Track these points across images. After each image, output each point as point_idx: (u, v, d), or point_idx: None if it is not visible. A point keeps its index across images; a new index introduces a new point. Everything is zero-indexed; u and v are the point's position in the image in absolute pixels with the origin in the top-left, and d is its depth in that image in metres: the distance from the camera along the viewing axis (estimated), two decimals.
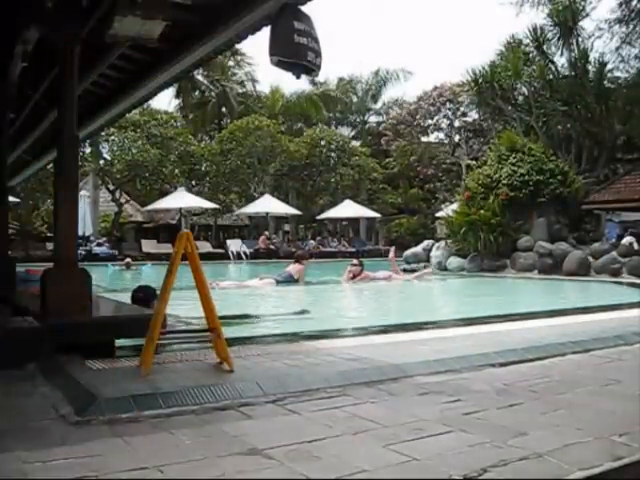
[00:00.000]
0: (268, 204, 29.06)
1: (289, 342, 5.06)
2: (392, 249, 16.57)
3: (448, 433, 2.62)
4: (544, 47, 21.47)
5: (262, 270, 16.90)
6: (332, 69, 45.38)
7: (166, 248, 23.02)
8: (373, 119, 41.18)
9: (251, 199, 30.76)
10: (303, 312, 7.87)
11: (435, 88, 34.66)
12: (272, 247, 27.65)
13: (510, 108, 21.50)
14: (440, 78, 38.14)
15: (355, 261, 14.17)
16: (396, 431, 2.64)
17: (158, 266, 16.89)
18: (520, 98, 22.03)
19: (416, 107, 35.13)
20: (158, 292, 3.98)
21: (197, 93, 37.73)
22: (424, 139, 36.06)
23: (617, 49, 22.80)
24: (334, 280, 14.18)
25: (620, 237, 18.15)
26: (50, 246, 20.15)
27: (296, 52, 3.88)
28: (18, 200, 24.32)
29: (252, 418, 2.88)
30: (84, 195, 24.59)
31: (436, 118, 35.20)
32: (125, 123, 25.91)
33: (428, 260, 18.51)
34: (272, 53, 3.90)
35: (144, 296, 5.57)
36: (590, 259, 15.18)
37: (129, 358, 3.90)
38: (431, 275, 16.29)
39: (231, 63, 38.08)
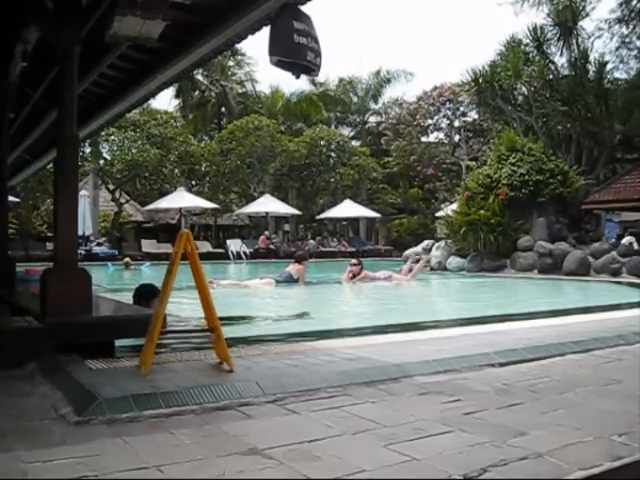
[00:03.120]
0: (268, 204, 29.05)
1: (289, 342, 5.05)
2: (423, 258, 16.55)
3: (448, 433, 2.61)
4: (544, 47, 21.49)
5: (262, 270, 16.89)
6: (332, 69, 45.42)
7: (166, 248, 23.04)
8: (373, 119, 41.17)
9: (251, 199, 30.76)
10: (303, 315, 7.86)
11: (435, 88, 34.65)
12: (272, 247, 27.65)
13: (510, 108, 21.49)
14: (440, 78, 38.22)
15: (355, 261, 14.16)
16: (396, 431, 2.63)
17: (158, 266, 16.90)
18: (520, 98, 22.03)
19: (416, 107, 35.12)
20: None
21: (197, 93, 37.72)
22: (424, 139, 36.04)
23: (617, 49, 22.86)
24: (334, 280, 14.17)
25: (620, 237, 18.17)
26: (50, 246, 20.17)
27: (296, 52, 3.89)
28: (18, 200, 24.33)
29: (252, 418, 2.87)
30: (84, 195, 24.58)
31: (436, 118, 35.21)
32: (125, 123, 25.91)
33: (428, 260, 18.50)
34: (272, 53, 3.91)
35: (146, 293, 5.58)
36: (590, 259, 15.19)
37: (129, 358, 3.89)
38: (427, 268, 16.27)
39: (231, 63, 38.07)
